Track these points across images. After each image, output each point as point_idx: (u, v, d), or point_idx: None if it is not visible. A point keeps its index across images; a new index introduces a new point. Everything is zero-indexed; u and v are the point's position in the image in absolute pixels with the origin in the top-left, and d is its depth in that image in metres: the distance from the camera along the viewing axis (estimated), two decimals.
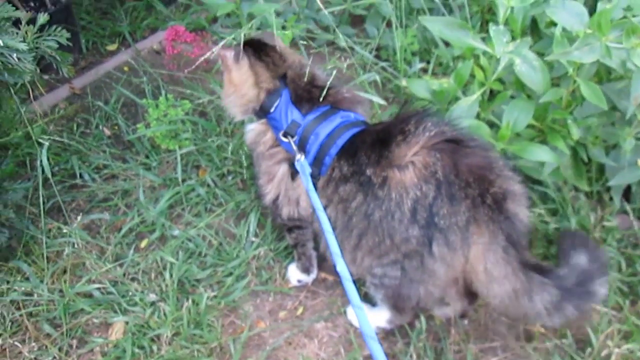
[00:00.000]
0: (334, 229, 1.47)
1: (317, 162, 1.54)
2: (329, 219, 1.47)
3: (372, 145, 1.45)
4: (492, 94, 1.97)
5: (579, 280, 1.43)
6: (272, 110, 1.60)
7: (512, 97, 1.84)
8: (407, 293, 1.47)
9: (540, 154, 1.64)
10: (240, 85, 1.65)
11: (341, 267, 1.27)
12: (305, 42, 2.44)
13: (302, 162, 1.53)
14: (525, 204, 1.42)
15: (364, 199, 1.43)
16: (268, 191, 1.67)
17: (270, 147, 1.64)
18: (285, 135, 1.57)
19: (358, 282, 1.66)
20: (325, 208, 1.50)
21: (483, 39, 1.73)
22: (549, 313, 1.41)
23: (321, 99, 1.58)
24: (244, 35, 1.66)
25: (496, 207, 1.34)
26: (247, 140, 1.72)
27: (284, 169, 1.62)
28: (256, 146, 1.67)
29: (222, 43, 1.71)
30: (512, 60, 1.62)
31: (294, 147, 1.56)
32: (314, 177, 1.54)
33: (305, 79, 1.61)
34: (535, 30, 2.02)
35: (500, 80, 1.82)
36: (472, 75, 1.92)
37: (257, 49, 1.65)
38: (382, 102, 2.01)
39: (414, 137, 1.40)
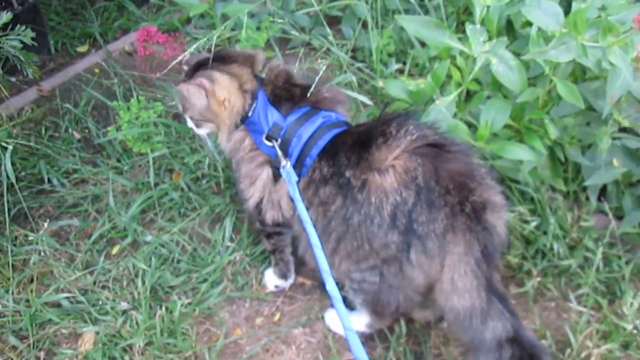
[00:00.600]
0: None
1: (298, 164, 1.50)
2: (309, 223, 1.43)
3: (353, 147, 1.42)
4: (469, 95, 1.96)
5: (533, 346, 1.32)
6: (250, 114, 1.55)
7: (489, 97, 1.83)
8: (386, 298, 1.44)
9: (519, 153, 1.63)
10: (228, 97, 1.55)
11: (330, 285, 1.23)
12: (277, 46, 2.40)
13: (288, 169, 1.48)
14: (505, 217, 1.40)
15: (343, 202, 1.40)
16: (250, 195, 1.61)
17: (250, 151, 1.59)
18: (268, 138, 1.53)
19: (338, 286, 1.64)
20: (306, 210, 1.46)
21: (459, 39, 1.71)
22: (489, 348, 1.32)
23: (308, 95, 1.53)
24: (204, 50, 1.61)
25: (475, 217, 1.31)
26: (226, 149, 1.64)
27: (266, 171, 1.57)
28: (236, 153, 1.61)
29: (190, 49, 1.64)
30: (488, 60, 1.61)
31: (279, 152, 1.51)
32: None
33: (281, 79, 1.57)
34: (510, 30, 2.02)
35: (477, 80, 1.81)
36: (449, 76, 1.91)
37: (218, 60, 1.59)
38: (368, 101, 1.98)
39: (395, 141, 1.37)
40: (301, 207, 1.40)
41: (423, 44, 2.32)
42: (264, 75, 1.60)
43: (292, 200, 1.48)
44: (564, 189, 1.83)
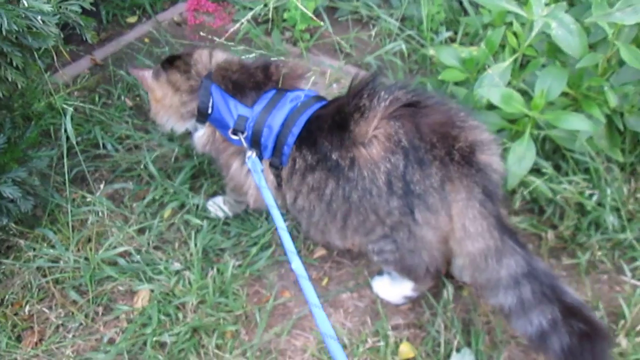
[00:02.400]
0: (311, 216, 1.52)
1: (276, 153, 1.53)
2: (303, 208, 1.52)
3: (331, 130, 1.44)
4: (522, 63, 1.91)
5: (549, 276, 1.33)
6: (210, 111, 1.59)
7: (544, 65, 1.78)
8: (411, 262, 1.47)
9: (576, 123, 1.59)
10: (163, 98, 1.68)
11: (296, 264, 1.25)
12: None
13: (254, 158, 1.52)
14: (497, 152, 1.40)
15: (337, 184, 1.42)
16: (228, 182, 1.71)
17: (222, 142, 1.64)
18: (234, 132, 1.55)
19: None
20: (294, 199, 1.53)
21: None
22: (507, 286, 1.32)
23: (272, 79, 1.57)
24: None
25: (465, 162, 1.33)
26: (199, 147, 1.72)
27: (239, 160, 1.62)
28: (209, 146, 1.68)
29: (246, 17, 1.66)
30: (547, 25, 1.56)
31: (244, 144, 1.55)
32: (277, 168, 1.54)
33: (234, 67, 1.59)
34: None
35: (531, 47, 1.76)
36: (502, 46, 1.87)
37: (169, 61, 1.70)
38: (336, 63, 1.92)
39: (371, 111, 1.39)
40: (265, 192, 1.44)
41: (475, 12, 2.27)
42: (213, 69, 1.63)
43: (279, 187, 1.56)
44: (622, 159, 1.77)
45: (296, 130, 1.49)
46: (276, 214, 1.37)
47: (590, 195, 1.71)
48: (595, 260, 1.75)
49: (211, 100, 1.59)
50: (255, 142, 1.55)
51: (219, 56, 1.67)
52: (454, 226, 1.36)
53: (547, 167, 1.70)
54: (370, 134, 1.37)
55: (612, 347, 1.46)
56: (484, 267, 1.35)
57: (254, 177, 1.52)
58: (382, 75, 1.49)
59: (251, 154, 1.53)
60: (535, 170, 1.75)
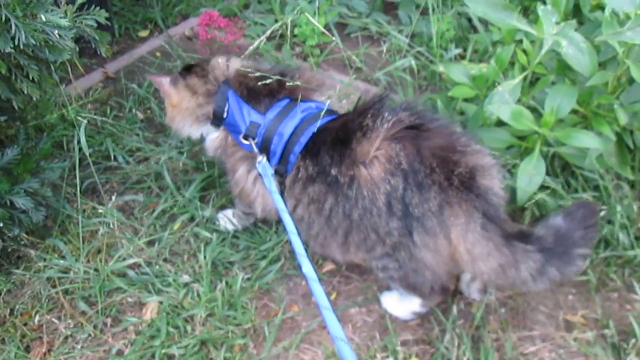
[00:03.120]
0: (310, 228, 1.53)
1: (283, 161, 1.54)
2: (302, 218, 1.53)
3: (333, 145, 1.45)
4: (532, 81, 1.92)
5: (558, 241, 1.41)
6: (225, 115, 1.62)
7: (553, 83, 1.80)
8: (415, 280, 1.48)
9: (585, 140, 1.59)
10: (180, 103, 1.71)
11: (307, 268, 1.25)
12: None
13: (264, 163, 1.54)
14: (498, 176, 1.42)
15: (336, 201, 1.44)
16: (233, 187, 1.71)
17: (232, 146, 1.66)
18: (245, 137, 1.58)
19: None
20: (294, 208, 1.54)
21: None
22: (534, 279, 1.39)
23: (288, 84, 1.58)
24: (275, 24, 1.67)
25: (464, 188, 1.34)
26: (209, 149, 1.74)
27: (246, 166, 1.63)
28: (220, 150, 1.70)
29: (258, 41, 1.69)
30: (557, 43, 1.58)
31: (255, 149, 1.57)
32: (281, 176, 1.55)
33: (252, 74, 1.60)
34: (577, 14, 1.97)
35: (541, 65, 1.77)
36: (510, 63, 1.89)
37: (187, 68, 1.74)
38: (346, 78, 1.94)
39: (374, 132, 1.40)
40: (276, 197, 1.45)
41: (485, 29, 2.29)
42: (232, 74, 1.67)
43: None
44: (631, 177, 1.78)
45: (304, 139, 1.50)
46: (286, 218, 1.38)
47: (601, 215, 1.70)
48: (605, 277, 1.74)
49: (227, 105, 1.62)
50: (264, 149, 1.57)
51: (236, 63, 1.70)
52: (458, 250, 1.37)
53: (556, 186, 1.70)
54: (371, 154, 1.39)
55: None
56: (504, 278, 1.39)
57: (264, 181, 1.53)
58: (389, 96, 1.50)
59: (262, 159, 1.55)
60: (545, 187, 1.75)
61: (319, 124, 1.51)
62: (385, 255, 1.45)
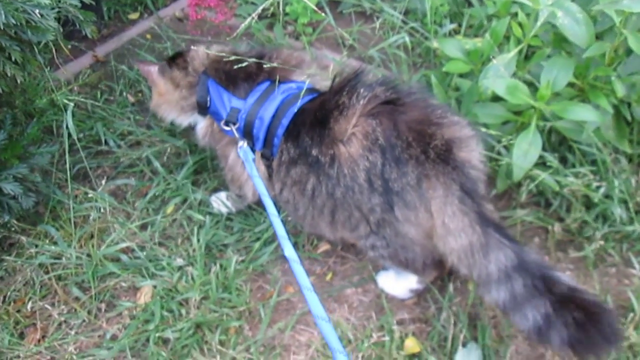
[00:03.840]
0: (296, 210, 1.53)
1: (267, 145, 1.54)
2: (288, 200, 1.53)
3: (312, 126, 1.44)
4: (527, 54, 1.88)
5: (542, 271, 1.29)
6: (208, 104, 1.63)
7: (549, 56, 1.76)
8: (405, 257, 1.46)
9: (582, 114, 1.56)
10: (165, 93, 1.73)
11: (288, 251, 1.25)
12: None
13: (245, 148, 1.54)
14: (477, 148, 1.39)
15: (318, 180, 1.43)
16: (226, 173, 1.72)
17: (218, 132, 1.66)
18: (226, 123, 1.58)
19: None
20: (280, 190, 1.54)
21: None
22: (498, 280, 1.30)
23: (264, 69, 1.58)
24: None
25: (441, 160, 1.32)
26: (199, 137, 1.75)
27: (234, 153, 1.64)
28: (209, 137, 1.71)
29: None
30: (553, 14, 1.53)
31: (236, 134, 1.57)
32: (268, 159, 1.55)
33: (227, 59, 1.58)
34: None
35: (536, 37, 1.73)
36: (505, 37, 1.84)
37: (173, 58, 1.75)
38: (336, 57, 1.91)
39: (350, 109, 1.39)
40: (257, 181, 1.45)
41: (479, 3, 2.24)
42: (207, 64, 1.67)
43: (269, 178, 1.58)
44: (629, 151, 1.74)
45: (285, 121, 1.50)
46: (267, 202, 1.38)
47: (598, 188, 1.68)
48: (602, 253, 1.72)
49: (208, 95, 1.63)
50: (247, 134, 1.56)
51: (215, 49, 1.68)
52: (435, 223, 1.35)
53: (553, 161, 1.67)
54: (349, 131, 1.37)
55: (619, 319, 1.42)
56: (472, 262, 1.33)
57: (246, 166, 1.53)
58: (365, 71, 1.48)
59: (242, 144, 1.55)
60: (541, 163, 1.72)
61: (299, 104, 1.50)
62: (371, 233, 1.44)
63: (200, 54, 1.69)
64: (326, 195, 1.42)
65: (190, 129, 1.81)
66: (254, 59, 1.57)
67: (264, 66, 1.58)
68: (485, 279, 1.33)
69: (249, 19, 1.61)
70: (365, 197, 1.36)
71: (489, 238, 1.32)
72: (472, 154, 1.36)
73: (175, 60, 1.73)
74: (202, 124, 1.72)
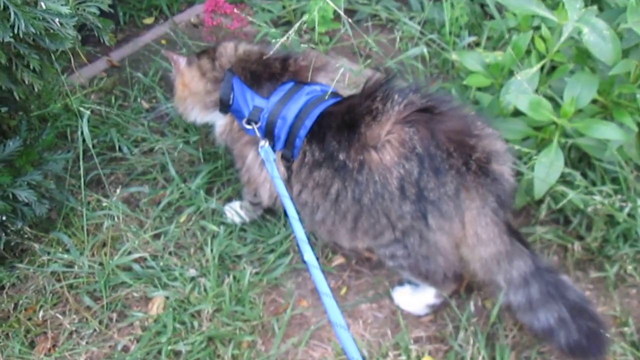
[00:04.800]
0: (314, 213, 1.51)
1: (288, 145, 1.52)
2: (306, 203, 1.51)
3: (340, 129, 1.42)
4: (548, 69, 1.85)
5: (551, 273, 1.41)
6: (231, 102, 1.60)
7: (572, 71, 1.73)
8: (427, 267, 1.46)
9: (606, 132, 1.53)
10: (190, 83, 1.69)
11: (308, 255, 1.23)
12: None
13: (266, 148, 1.52)
14: (509, 162, 1.41)
15: (343, 185, 1.41)
16: (242, 174, 1.69)
17: (237, 131, 1.64)
18: (248, 122, 1.56)
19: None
20: (299, 192, 1.52)
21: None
22: (517, 286, 1.39)
23: (289, 70, 1.57)
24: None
25: (482, 172, 1.33)
26: (217, 135, 1.72)
27: (254, 151, 1.61)
28: (226, 135, 1.68)
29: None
30: (578, 30, 1.51)
31: (257, 134, 1.54)
32: (288, 160, 1.53)
33: (254, 58, 1.59)
34: (596, 0, 1.89)
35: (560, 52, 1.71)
36: (526, 51, 1.82)
37: (202, 52, 1.73)
38: (354, 66, 1.90)
39: (384, 115, 1.37)
40: (278, 182, 1.43)
41: (500, 16, 2.21)
42: (234, 61, 1.64)
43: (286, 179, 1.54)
44: None
45: (309, 122, 1.48)
46: (288, 204, 1.36)
47: (621, 207, 1.64)
48: (624, 273, 1.69)
49: (232, 92, 1.60)
50: (269, 133, 1.54)
51: (242, 48, 1.67)
52: (467, 233, 1.37)
53: (580, 180, 1.64)
54: (382, 138, 1.36)
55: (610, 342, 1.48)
56: (497, 270, 1.39)
57: (267, 166, 1.51)
58: (397, 78, 1.47)
59: (264, 144, 1.53)
60: (562, 180, 1.69)
61: (324, 106, 1.48)
62: (394, 241, 1.43)
63: (229, 50, 1.67)
64: (351, 201, 1.41)
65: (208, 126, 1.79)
66: (281, 58, 1.57)
67: (289, 68, 1.58)
68: (506, 283, 1.39)
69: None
70: (396, 204, 1.35)
71: (513, 246, 1.38)
72: (505, 169, 1.38)
73: (206, 51, 1.72)
74: (221, 122, 1.69)
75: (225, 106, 1.63)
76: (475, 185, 1.33)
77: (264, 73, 1.59)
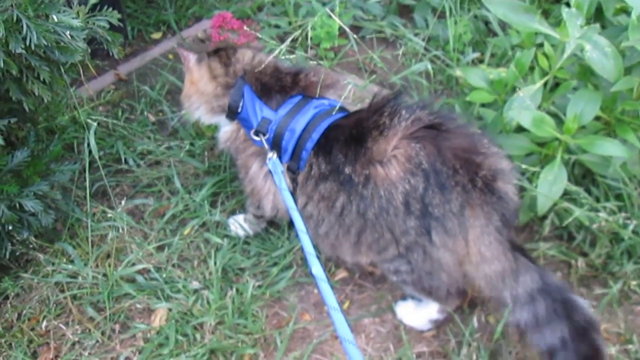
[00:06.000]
0: (318, 226, 1.50)
1: (295, 157, 1.52)
2: (311, 215, 1.50)
3: (347, 143, 1.43)
4: (551, 86, 1.87)
5: (561, 290, 1.38)
6: (239, 110, 1.60)
7: (574, 88, 1.74)
8: (430, 284, 1.45)
9: (610, 148, 1.54)
10: (198, 82, 1.68)
11: (316, 269, 1.23)
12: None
13: (274, 160, 1.52)
14: (513, 181, 1.41)
15: (349, 199, 1.41)
16: (245, 185, 1.68)
17: (244, 141, 1.64)
18: (256, 133, 1.56)
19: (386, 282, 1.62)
20: (305, 205, 1.51)
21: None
22: (523, 302, 1.37)
23: (299, 84, 1.58)
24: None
25: (487, 190, 1.33)
26: (221, 141, 1.72)
27: (258, 162, 1.61)
28: (231, 143, 1.68)
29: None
30: (580, 47, 1.52)
31: (266, 146, 1.54)
32: (294, 173, 1.53)
33: (268, 70, 1.59)
34: (599, 18, 1.91)
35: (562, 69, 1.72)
36: (530, 67, 1.83)
37: (215, 50, 1.71)
38: (359, 81, 1.92)
39: (391, 130, 1.38)
40: (286, 194, 1.43)
41: (503, 33, 2.24)
42: (248, 69, 1.64)
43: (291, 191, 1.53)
44: None
45: (316, 135, 1.48)
46: (296, 217, 1.36)
47: (625, 224, 1.64)
48: (628, 290, 1.68)
49: (242, 100, 1.60)
50: (276, 145, 1.55)
51: (259, 58, 1.67)
52: (470, 251, 1.36)
53: (585, 197, 1.64)
54: (389, 153, 1.36)
55: None
56: (502, 286, 1.39)
57: (274, 178, 1.51)
58: (405, 94, 1.48)
59: (272, 155, 1.53)
60: (566, 196, 1.70)
61: (331, 120, 1.50)
62: (398, 256, 1.43)
63: (246, 59, 1.66)
64: (356, 215, 1.41)
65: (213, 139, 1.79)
66: (292, 72, 1.59)
67: (300, 82, 1.59)
68: (513, 299, 1.38)
69: (281, 47, 1.62)
70: (400, 219, 1.35)
71: (518, 263, 1.37)
72: (510, 187, 1.38)
73: (219, 52, 1.69)
74: (227, 128, 1.69)
75: (232, 113, 1.63)
76: (480, 203, 1.33)
77: (275, 85, 1.60)
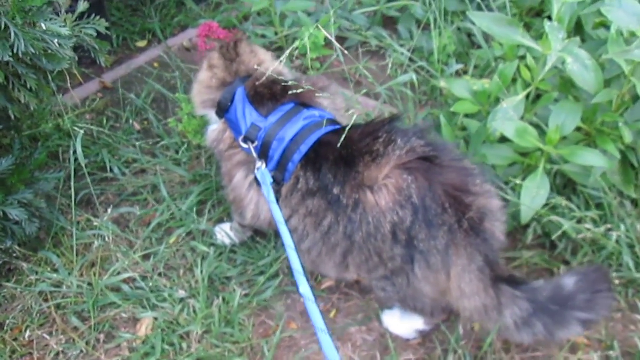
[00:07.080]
0: (302, 241, 1.48)
1: (280, 168, 1.50)
2: (296, 229, 1.48)
3: (337, 163, 1.41)
4: (533, 97, 1.91)
5: (555, 298, 1.38)
6: (227, 110, 1.60)
7: (556, 100, 1.78)
8: (415, 305, 1.47)
9: (591, 159, 1.58)
10: (200, 71, 1.73)
11: (304, 288, 1.21)
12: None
13: (263, 170, 1.50)
14: (503, 219, 1.42)
15: (336, 220, 1.40)
16: (228, 193, 1.67)
17: (229, 148, 1.62)
18: (245, 140, 1.54)
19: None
20: (289, 218, 1.49)
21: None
22: (518, 328, 1.38)
23: (289, 92, 1.54)
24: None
25: (473, 232, 1.33)
26: (208, 140, 1.71)
27: (243, 172, 1.60)
28: (217, 144, 1.66)
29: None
30: (562, 59, 1.56)
31: (254, 155, 1.53)
32: (278, 184, 1.51)
33: (266, 76, 1.55)
34: (579, 31, 1.96)
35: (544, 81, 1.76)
36: (513, 79, 1.87)
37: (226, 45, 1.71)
38: (348, 93, 1.94)
39: (384, 158, 1.37)
40: (275, 208, 1.41)
41: (487, 45, 2.28)
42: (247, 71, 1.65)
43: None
44: (635, 196, 1.76)
45: (304, 148, 1.46)
46: (285, 231, 1.35)
47: (607, 233, 1.67)
48: None
49: (232, 100, 1.60)
50: (263, 153, 1.53)
51: (266, 67, 1.63)
52: (451, 285, 1.38)
53: (566, 206, 1.67)
54: (380, 181, 1.35)
55: None
56: (486, 319, 1.40)
57: (263, 189, 1.49)
58: (401, 118, 1.48)
59: (261, 165, 1.51)
60: (547, 205, 1.73)
61: (321, 133, 1.48)
62: (384, 277, 1.44)
63: (252, 63, 1.65)
64: (343, 236, 1.40)
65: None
66: (286, 81, 1.56)
67: (290, 89, 1.56)
68: (504, 328, 1.39)
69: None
70: (388, 246, 1.35)
71: (502, 297, 1.37)
72: (498, 225, 1.38)
73: (228, 48, 1.69)
74: (214, 127, 1.68)
75: (220, 110, 1.62)
76: (464, 245, 1.33)
77: (267, 92, 1.58)
